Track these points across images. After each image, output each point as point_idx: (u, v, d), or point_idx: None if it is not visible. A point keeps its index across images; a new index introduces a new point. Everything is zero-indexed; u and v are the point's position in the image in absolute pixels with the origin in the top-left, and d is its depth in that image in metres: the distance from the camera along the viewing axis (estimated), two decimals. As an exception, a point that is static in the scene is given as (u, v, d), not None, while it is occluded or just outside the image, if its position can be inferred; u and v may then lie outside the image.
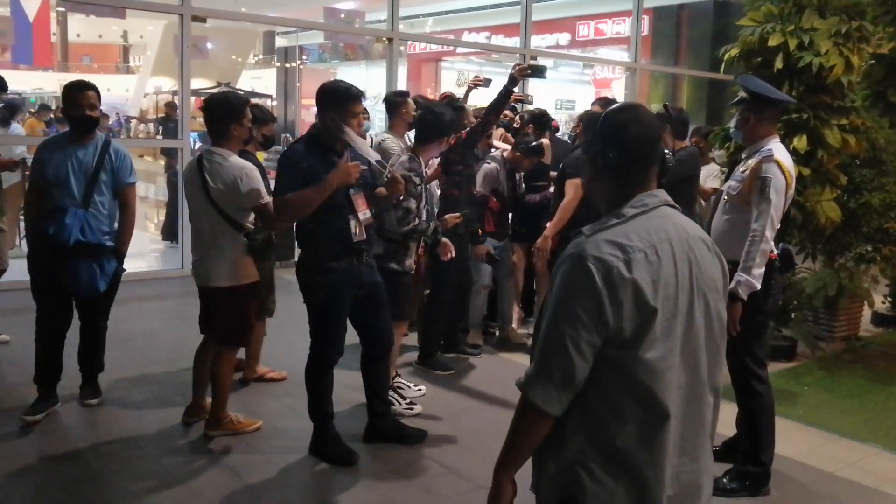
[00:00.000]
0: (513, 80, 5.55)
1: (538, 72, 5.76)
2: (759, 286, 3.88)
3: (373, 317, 4.30)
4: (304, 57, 24.21)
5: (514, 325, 6.80)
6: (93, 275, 4.45)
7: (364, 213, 4.06)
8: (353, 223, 4.03)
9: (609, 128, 2.02)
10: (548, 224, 6.05)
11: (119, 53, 37.48)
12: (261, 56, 28.15)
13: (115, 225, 4.67)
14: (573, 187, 5.83)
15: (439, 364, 5.97)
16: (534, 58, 11.63)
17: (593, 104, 6.85)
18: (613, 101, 6.84)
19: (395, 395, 5.04)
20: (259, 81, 25.47)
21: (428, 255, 5.87)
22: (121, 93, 25.96)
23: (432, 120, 5.06)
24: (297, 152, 4.05)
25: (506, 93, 5.61)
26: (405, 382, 5.30)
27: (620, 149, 1.98)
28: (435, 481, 4.12)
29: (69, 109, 4.54)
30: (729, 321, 3.56)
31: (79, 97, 4.52)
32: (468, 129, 5.87)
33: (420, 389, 5.35)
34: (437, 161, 5.71)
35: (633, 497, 1.90)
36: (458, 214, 5.30)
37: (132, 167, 4.76)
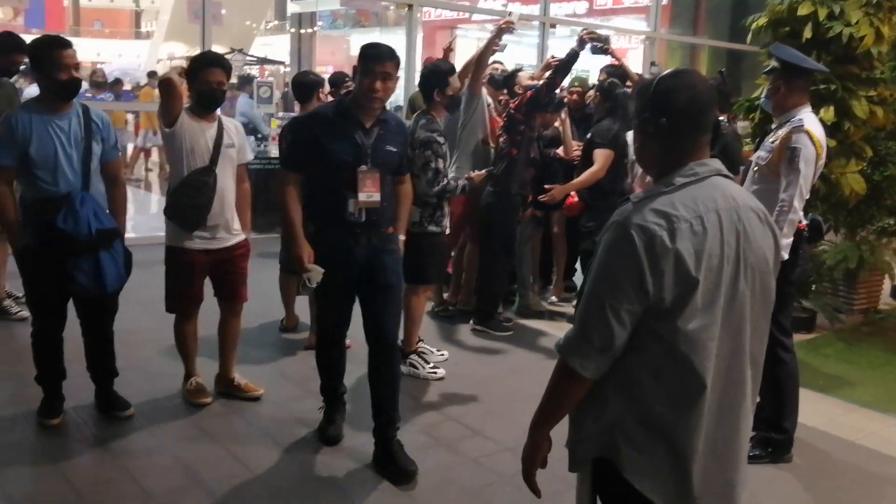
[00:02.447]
0: (581, 43, 5.84)
1: (603, 40, 6.06)
2: (786, 256, 3.89)
3: (371, 305, 3.87)
4: (318, 23, 24.05)
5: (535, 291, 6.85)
6: (117, 264, 3.93)
7: (369, 195, 3.65)
8: (350, 202, 3.66)
9: (660, 93, 1.96)
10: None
11: (130, 18, 37.29)
12: (274, 22, 28.00)
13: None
14: (602, 157, 5.87)
15: (498, 325, 6.03)
16: (553, 26, 11.56)
17: (601, 71, 6.80)
18: (620, 68, 6.82)
19: (419, 360, 5.09)
20: (271, 48, 25.36)
21: (476, 219, 6.01)
22: (132, 59, 25.93)
23: (429, 73, 5.16)
24: (304, 121, 3.91)
25: (573, 54, 5.78)
26: (428, 347, 5.33)
27: (671, 115, 1.93)
28: (461, 443, 4.18)
29: (50, 71, 3.80)
30: None
31: (60, 56, 3.83)
32: (533, 88, 5.89)
33: (443, 354, 5.39)
34: None
35: (667, 464, 1.92)
36: (483, 172, 5.38)
37: (116, 136, 4.25)
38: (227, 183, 4.24)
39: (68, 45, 3.94)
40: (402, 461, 3.78)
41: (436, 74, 5.07)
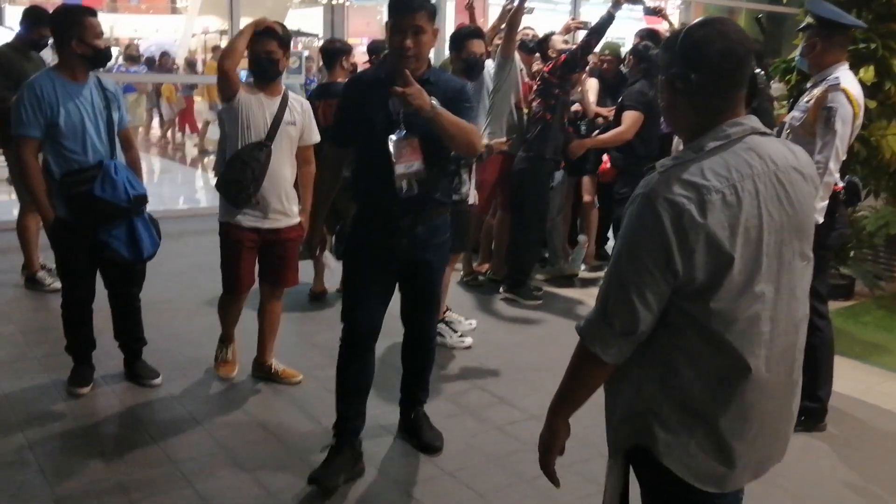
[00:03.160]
0: (616, 4, 5.71)
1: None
2: (821, 219, 3.78)
3: (411, 304, 3.57)
4: (352, -6, 23.96)
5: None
6: (149, 231, 3.99)
7: (409, 165, 3.19)
8: (397, 179, 3.21)
9: (690, 45, 1.76)
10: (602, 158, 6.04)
11: (166, -7, 37.43)
12: (308, -6, 27.93)
13: None
14: (629, 118, 5.80)
15: (528, 293, 6.00)
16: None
17: (637, 35, 6.68)
18: (657, 33, 6.69)
19: (447, 328, 5.05)
20: (305, 20, 25.31)
21: (508, 186, 5.98)
22: (169, 34, 25.99)
23: (451, 37, 5.22)
24: (345, 88, 3.46)
25: (608, 17, 5.70)
26: (456, 316, 5.28)
27: (702, 69, 1.74)
28: (488, 411, 4.16)
29: (89, 39, 3.80)
30: None
31: (94, 24, 3.84)
32: (567, 51, 5.83)
33: (471, 323, 5.34)
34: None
35: (706, 448, 1.81)
36: (504, 140, 5.36)
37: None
38: (282, 160, 4.07)
39: (95, 13, 3.97)
40: (427, 436, 3.73)
41: (454, 38, 5.08)
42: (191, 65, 16.84)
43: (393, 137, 3.18)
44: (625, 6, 5.82)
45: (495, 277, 6.37)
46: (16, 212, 6.05)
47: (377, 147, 3.19)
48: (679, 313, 1.75)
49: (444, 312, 5.13)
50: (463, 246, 5.18)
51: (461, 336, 5.06)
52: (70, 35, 3.80)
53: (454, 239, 4.85)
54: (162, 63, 15.07)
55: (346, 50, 5.75)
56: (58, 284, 5.39)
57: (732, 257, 1.69)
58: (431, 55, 3.65)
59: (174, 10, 34.49)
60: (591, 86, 6.49)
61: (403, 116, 3.15)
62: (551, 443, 1.96)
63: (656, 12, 6.13)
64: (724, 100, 1.77)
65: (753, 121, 1.81)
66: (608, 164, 6.18)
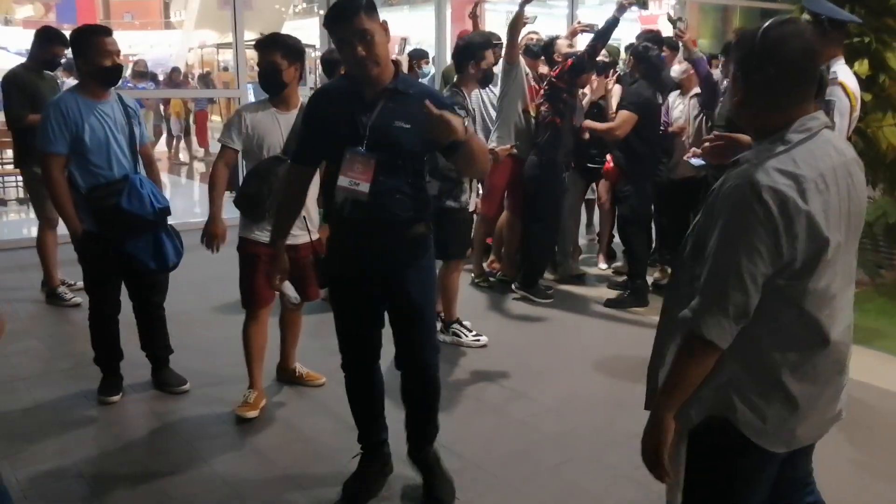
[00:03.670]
0: (621, 8, 5.77)
1: (642, 3, 5.95)
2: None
3: (397, 331, 3.22)
4: (345, 4, 24.05)
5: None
6: (173, 242, 4.11)
7: (352, 182, 2.90)
8: (337, 193, 2.97)
9: (770, 41, 1.86)
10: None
11: (160, 8, 37.53)
12: (303, 5, 28.05)
13: None
14: (622, 117, 5.90)
15: (540, 292, 6.12)
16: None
17: (638, 37, 6.81)
18: (658, 34, 6.81)
19: (461, 328, 5.16)
20: (301, 32, 25.45)
21: (516, 189, 6.10)
22: (165, 49, 26.11)
23: (463, 46, 5.14)
24: (312, 99, 3.16)
25: (613, 21, 5.77)
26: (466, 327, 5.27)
27: (781, 64, 1.84)
28: (507, 405, 4.28)
29: (94, 57, 3.92)
30: None
31: (103, 43, 3.96)
32: (574, 55, 5.92)
33: (479, 339, 5.22)
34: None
35: (784, 419, 1.94)
36: (509, 146, 5.47)
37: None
38: None
39: (109, 32, 4.08)
40: (438, 489, 3.34)
41: (471, 47, 5.10)
42: (204, 79, 16.99)
43: (354, 149, 2.90)
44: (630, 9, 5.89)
45: (505, 279, 6.49)
46: (34, 230, 6.17)
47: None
48: (771, 293, 1.85)
49: (454, 322, 5.21)
50: (462, 252, 5.22)
51: (476, 335, 5.15)
52: (84, 55, 3.95)
53: (453, 245, 4.93)
54: (173, 78, 15.35)
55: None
56: (78, 299, 5.64)
57: (828, 240, 1.82)
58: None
59: (168, 25, 34.58)
60: (615, 92, 6.56)
61: (370, 132, 2.88)
62: (662, 439, 1.98)
63: (679, 38, 6.19)
64: (799, 94, 1.89)
65: (823, 116, 1.93)
66: (611, 164, 6.27)
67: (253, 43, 4.27)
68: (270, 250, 3.39)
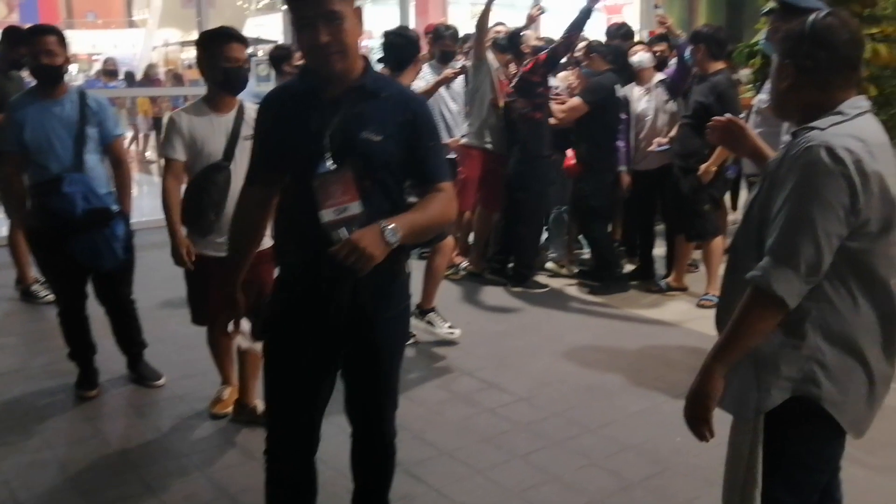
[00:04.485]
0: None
1: None
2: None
3: (356, 402, 2.59)
4: None
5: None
6: (110, 243, 3.99)
7: (340, 209, 2.25)
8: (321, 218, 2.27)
9: (820, 29, 1.96)
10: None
11: (123, 7, 37.11)
12: (266, 0, 27.84)
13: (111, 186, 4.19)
14: (570, 104, 5.96)
15: (534, 284, 6.15)
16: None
17: (609, 31, 6.88)
18: (624, 26, 6.88)
19: (437, 317, 5.07)
20: (263, 28, 25.22)
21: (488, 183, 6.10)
22: (128, 48, 25.83)
23: (403, 43, 4.99)
24: (262, 103, 2.53)
25: (586, 11, 5.80)
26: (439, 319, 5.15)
27: (831, 50, 1.94)
28: (478, 395, 4.32)
29: (34, 57, 3.98)
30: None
31: (37, 42, 3.97)
32: (548, 49, 5.95)
33: (451, 332, 5.14)
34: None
35: (864, 389, 1.96)
36: (457, 138, 5.42)
37: (116, 118, 4.31)
38: None
39: (48, 32, 4.08)
40: None
41: (414, 42, 5.03)
42: (177, 77, 16.87)
43: (320, 172, 2.27)
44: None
45: (475, 271, 6.52)
46: (4, 229, 6.14)
47: (301, 183, 2.29)
48: (847, 257, 1.88)
49: (430, 310, 5.09)
50: (446, 232, 5.04)
51: (451, 327, 5.09)
52: (25, 54, 4.04)
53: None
54: (147, 76, 15.33)
55: (285, 55, 5.81)
56: (52, 297, 5.55)
57: None
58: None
59: (131, 24, 34.22)
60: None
61: (331, 141, 2.27)
62: (711, 394, 1.98)
63: (662, 24, 6.24)
64: (845, 78, 1.98)
65: (867, 101, 2.03)
66: (573, 160, 6.17)
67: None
68: (217, 267, 2.94)
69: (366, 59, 2.39)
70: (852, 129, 1.89)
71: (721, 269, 5.57)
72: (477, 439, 3.80)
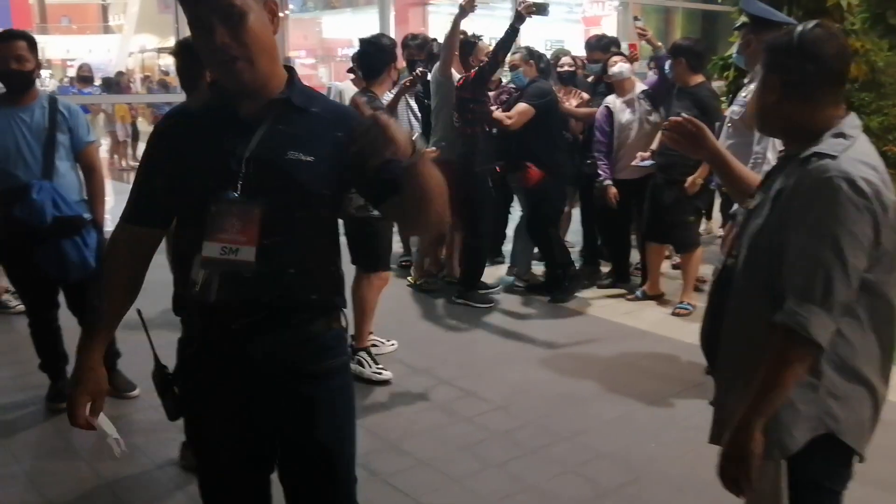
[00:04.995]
0: (519, 18, 5.72)
1: (542, 9, 5.77)
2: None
3: (293, 489, 2.09)
4: (289, 7, 23.93)
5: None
6: (80, 253, 3.93)
7: (227, 248, 1.82)
8: (195, 264, 1.88)
9: (808, 42, 1.88)
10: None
11: (98, 12, 36.86)
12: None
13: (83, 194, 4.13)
14: (518, 110, 5.94)
15: (480, 297, 6.11)
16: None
17: (587, 43, 6.94)
18: (605, 37, 6.93)
19: (367, 357, 4.68)
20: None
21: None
22: (103, 54, 25.69)
23: (374, 51, 4.92)
24: (159, 126, 2.03)
25: (512, 31, 5.76)
26: (379, 339, 5.05)
27: (819, 63, 1.87)
28: (455, 403, 4.33)
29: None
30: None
31: (3, 49, 3.89)
32: (478, 66, 5.95)
33: (392, 344, 5.14)
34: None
35: (870, 415, 1.93)
36: (434, 149, 5.37)
37: (89, 125, 4.25)
38: None
39: (17, 37, 3.99)
40: None
41: (387, 50, 4.95)
42: (164, 85, 16.78)
43: (223, 196, 1.83)
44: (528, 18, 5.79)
45: (451, 280, 6.53)
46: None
47: (200, 213, 1.86)
48: (863, 288, 1.82)
49: (368, 337, 4.81)
50: (378, 264, 4.74)
51: (379, 368, 4.65)
52: None
53: (370, 257, 4.57)
54: (121, 83, 15.21)
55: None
56: (22, 307, 5.48)
57: None
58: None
59: (107, 30, 34.00)
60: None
61: (248, 166, 1.84)
62: (756, 450, 1.83)
63: (642, 36, 6.27)
64: (834, 93, 1.92)
65: (857, 118, 1.96)
66: (534, 169, 6.02)
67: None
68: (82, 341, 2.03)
69: (290, 69, 1.96)
70: (861, 154, 1.83)
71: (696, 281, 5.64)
72: (454, 448, 3.81)
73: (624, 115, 6.11)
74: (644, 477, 3.52)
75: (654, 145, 5.88)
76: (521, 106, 5.95)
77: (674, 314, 5.76)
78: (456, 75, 6.07)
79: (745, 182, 2.26)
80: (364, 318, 4.69)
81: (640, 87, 6.24)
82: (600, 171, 6.11)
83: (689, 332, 5.34)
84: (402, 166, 1.77)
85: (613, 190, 6.08)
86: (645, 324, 5.64)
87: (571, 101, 6.57)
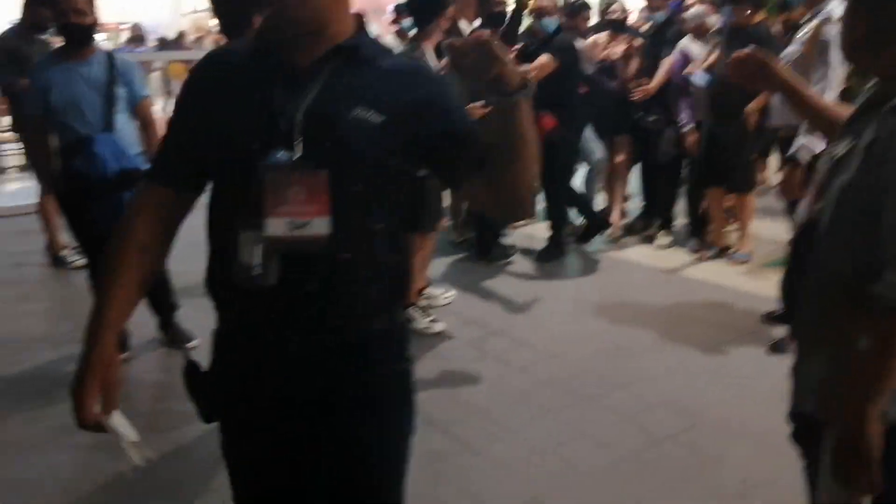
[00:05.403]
0: None
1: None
2: (818, 150, 3.91)
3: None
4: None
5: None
6: None
7: (294, 221, 1.51)
8: (243, 238, 1.54)
9: None
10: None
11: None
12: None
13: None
14: (539, 62, 5.67)
15: (501, 254, 6.06)
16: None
17: None
18: None
19: (419, 312, 4.64)
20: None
21: None
22: (157, 14, 25.83)
23: None
24: (192, 73, 1.71)
25: None
26: (434, 291, 4.91)
27: None
28: (509, 353, 4.35)
29: (60, 17, 3.92)
30: (793, 185, 3.65)
31: (65, 1, 3.87)
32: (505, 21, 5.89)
33: (449, 296, 5.00)
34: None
35: None
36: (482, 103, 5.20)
37: (143, 79, 4.29)
38: None
39: None
40: None
41: None
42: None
43: (275, 160, 1.50)
44: None
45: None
46: (35, 196, 6.20)
47: (244, 183, 1.53)
48: None
49: (421, 291, 4.69)
50: (432, 224, 4.57)
51: (432, 320, 4.63)
52: (55, 14, 3.96)
53: (421, 218, 4.31)
54: (179, 42, 15.62)
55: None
56: (82, 262, 5.58)
57: None
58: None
59: (161, -10, 34.20)
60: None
61: (304, 124, 1.51)
62: (874, 441, 1.63)
63: None
64: None
65: None
66: (548, 117, 5.75)
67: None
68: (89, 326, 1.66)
69: (359, 17, 1.62)
70: None
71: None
72: (508, 397, 3.83)
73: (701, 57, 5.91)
74: (699, 424, 3.50)
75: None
76: (544, 58, 5.67)
77: (730, 263, 5.66)
78: (465, 26, 5.70)
79: (825, 114, 2.06)
80: (415, 273, 4.65)
81: (717, 24, 6.03)
82: (682, 118, 5.95)
83: (743, 280, 5.28)
84: (505, 103, 1.58)
85: (695, 135, 5.89)
86: (699, 273, 5.57)
87: (617, 48, 6.40)
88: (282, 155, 1.50)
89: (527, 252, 6.13)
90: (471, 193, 1.70)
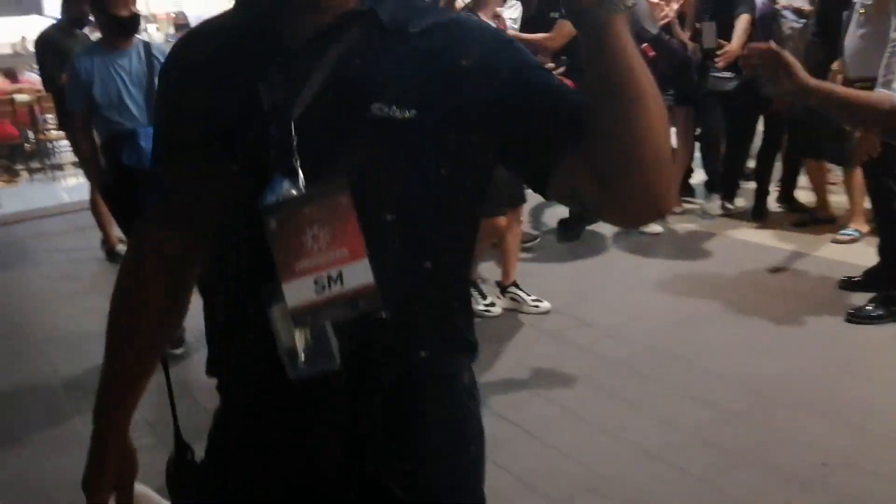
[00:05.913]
0: None
1: None
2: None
3: None
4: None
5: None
6: None
7: (318, 278, 0.99)
8: (273, 313, 1.03)
9: None
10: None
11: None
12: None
13: None
14: (559, 27, 5.33)
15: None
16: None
17: None
18: None
19: (518, 291, 4.53)
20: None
21: None
22: (201, 6, 26.05)
23: None
24: (168, 59, 1.22)
25: None
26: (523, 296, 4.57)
27: None
28: (568, 331, 4.24)
29: (110, 8, 3.86)
30: (869, 142, 3.44)
31: None
32: None
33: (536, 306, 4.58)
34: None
35: None
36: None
37: None
38: None
39: None
40: None
41: None
42: None
43: (275, 200, 1.01)
44: None
45: None
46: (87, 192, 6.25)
47: (248, 228, 1.03)
48: None
49: (509, 286, 4.55)
50: (516, 201, 4.33)
51: (536, 299, 4.50)
52: (102, 6, 3.91)
53: (496, 199, 3.79)
54: None
55: None
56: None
57: None
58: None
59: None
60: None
61: (298, 130, 1.02)
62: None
63: None
64: None
65: None
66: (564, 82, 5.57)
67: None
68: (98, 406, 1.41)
69: None
70: None
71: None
72: (567, 377, 3.71)
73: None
74: (770, 400, 3.33)
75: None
76: (563, 23, 5.23)
77: (835, 241, 5.16)
78: None
79: (861, 104, 1.93)
80: (507, 258, 4.50)
81: None
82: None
83: (819, 244, 5.04)
84: (592, 22, 0.96)
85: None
86: (771, 239, 5.37)
87: (673, 5, 6.07)
88: (284, 185, 1.00)
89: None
90: (569, 187, 1.04)
